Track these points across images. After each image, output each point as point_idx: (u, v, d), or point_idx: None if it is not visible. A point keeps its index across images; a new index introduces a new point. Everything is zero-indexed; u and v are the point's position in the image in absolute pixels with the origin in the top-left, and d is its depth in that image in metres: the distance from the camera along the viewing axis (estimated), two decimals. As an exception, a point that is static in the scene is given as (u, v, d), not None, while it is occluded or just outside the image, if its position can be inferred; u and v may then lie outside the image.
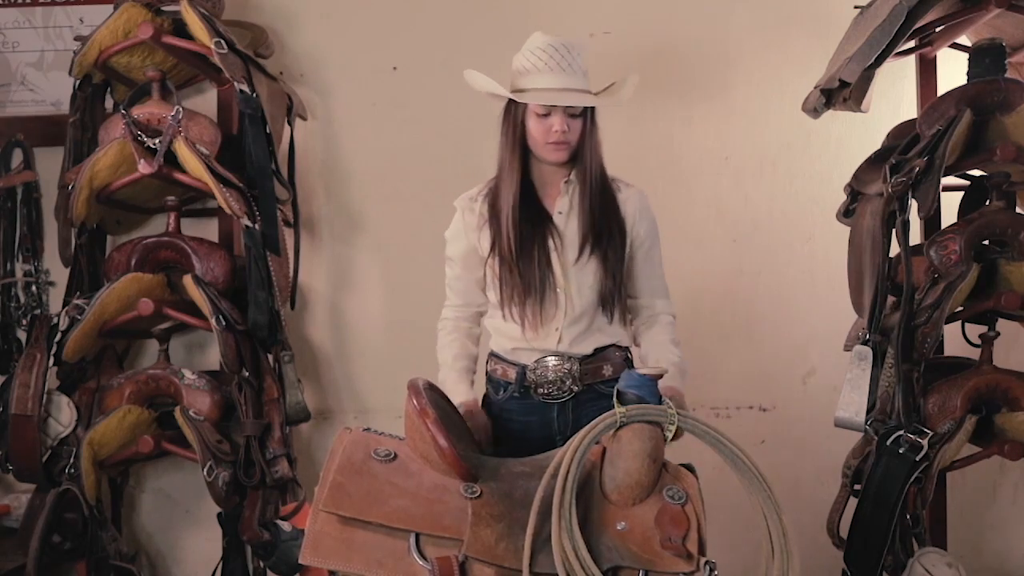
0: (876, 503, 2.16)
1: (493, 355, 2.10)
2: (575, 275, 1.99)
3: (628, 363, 2.07)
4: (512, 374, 2.03)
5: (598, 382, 2.00)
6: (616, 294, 1.99)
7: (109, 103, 2.80)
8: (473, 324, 2.14)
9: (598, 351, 2.01)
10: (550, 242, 1.98)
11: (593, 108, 1.98)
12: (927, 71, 2.64)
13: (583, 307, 1.98)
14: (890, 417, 2.20)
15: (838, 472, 2.41)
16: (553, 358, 1.99)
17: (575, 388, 1.99)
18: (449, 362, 2.08)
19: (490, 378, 2.11)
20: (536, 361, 2.00)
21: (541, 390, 2.00)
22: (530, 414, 2.01)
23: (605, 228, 1.98)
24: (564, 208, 2.01)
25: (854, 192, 2.51)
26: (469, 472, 1.60)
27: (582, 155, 1.98)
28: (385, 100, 2.93)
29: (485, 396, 2.12)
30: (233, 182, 2.50)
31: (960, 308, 2.28)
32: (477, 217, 2.05)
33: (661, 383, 1.71)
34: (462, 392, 2.02)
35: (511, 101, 1.98)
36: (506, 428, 2.04)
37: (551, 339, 1.99)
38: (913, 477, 2.14)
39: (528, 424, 2.02)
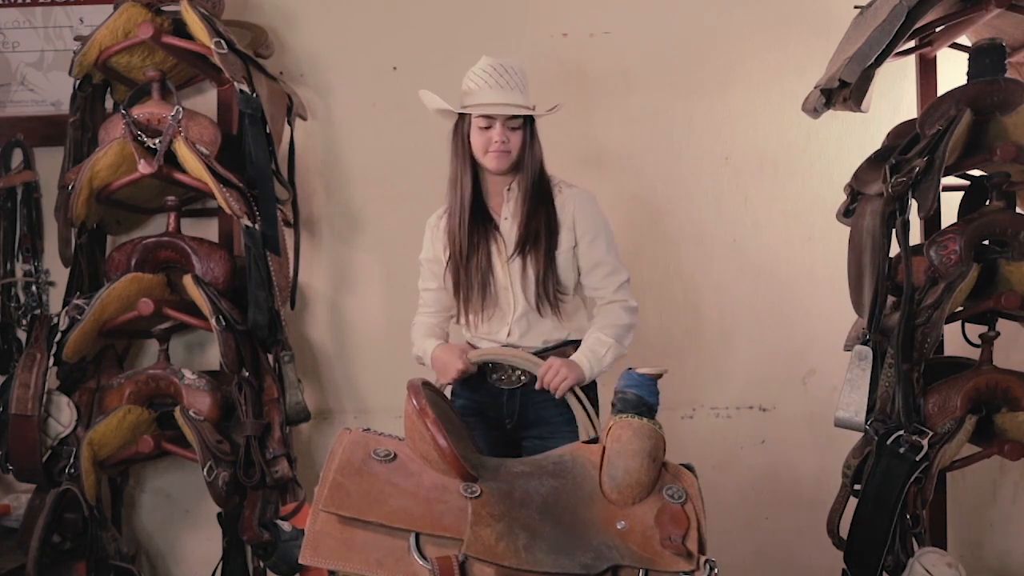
0: (876, 503, 2.16)
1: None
2: (518, 274, 2.18)
3: None
4: None
5: None
6: (550, 290, 2.17)
7: (109, 103, 2.79)
8: (443, 322, 2.36)
9: (550, 346, 2.20)
10: (493, 246, 2.20)
11: (532, 122, 2.19)
12: (927, 71, 2.64)
13: (528, 303, 2.19)
14: (890, 417, 2.20)
15: (838, 472, 2.41)
16: (506, 348, 2.19)
17: (523, 378, 2.19)
18: (420, 337, 2.32)
19: None
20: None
21: (495, 375, 2.21)
22: (484, 396, 2.23)
23: (539, 229, 2.17)
24: (508, 214, 2.22)
25: (854, 192, 2.50)
26: (469, 472, 1.60)
27: (523, 164, 2.20)
28: (385, 100, 2.93)
29: None
30: (233, 182, 2.50)
31: (960, 308, 2.28)
32: (440, 231, 2.28)
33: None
34: (430, 344, 2.27)
35: (459, 120, 2.20)
36: (463, 408, 2.23)
37: (503, 333, 2.22)
38: (913, 477, 2.13)
39: (483, 404, 2.24)
